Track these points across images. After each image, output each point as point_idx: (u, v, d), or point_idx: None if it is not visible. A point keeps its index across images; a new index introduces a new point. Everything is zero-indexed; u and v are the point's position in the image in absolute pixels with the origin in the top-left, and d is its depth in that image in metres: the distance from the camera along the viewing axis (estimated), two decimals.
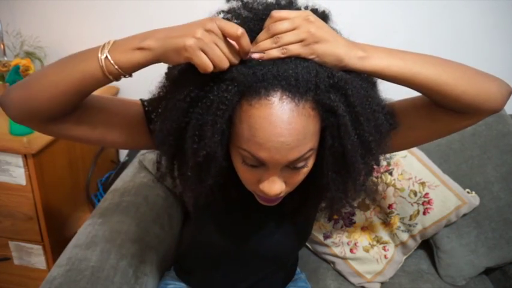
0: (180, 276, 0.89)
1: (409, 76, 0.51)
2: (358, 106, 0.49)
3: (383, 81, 0.56)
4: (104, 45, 0.50)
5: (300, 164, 0.52)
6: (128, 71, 0.50)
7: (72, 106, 0.55)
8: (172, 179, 0.63)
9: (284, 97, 0.46)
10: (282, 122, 0.46)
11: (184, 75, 0.51)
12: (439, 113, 0.59)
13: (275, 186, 0.52)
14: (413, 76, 0.51)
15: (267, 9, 0.51)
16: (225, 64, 0.46)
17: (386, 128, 0.55)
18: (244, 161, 0.52)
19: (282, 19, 0.47)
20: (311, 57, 0.47)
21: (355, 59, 0.49)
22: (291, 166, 0.51)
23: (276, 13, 0.47)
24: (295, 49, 0.47)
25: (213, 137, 0.48)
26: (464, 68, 0.55)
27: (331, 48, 0.47)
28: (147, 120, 0.61)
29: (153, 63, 0.50)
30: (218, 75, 0.47)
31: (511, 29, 1.25)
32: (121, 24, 1.35)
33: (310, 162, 0.54)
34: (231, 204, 0.69)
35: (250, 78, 0.46)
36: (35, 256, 1.21)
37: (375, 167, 0.61)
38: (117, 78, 0.51)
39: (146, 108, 0.62)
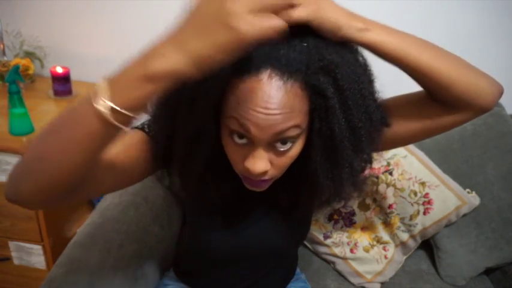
0: (179, 276, 0.89)
1: (403, 55, 0.52)
2: (347, 91, 0.49)
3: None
4: (96, 93, 0.38)
5: (286, 146, 0.51)
6: (141, 110, 0.40)
7: (93, 163, 0.46)
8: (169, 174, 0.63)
9: (273, 75, 0.47)
10: (269, 97, 0.47)
11: None
12: (429, 107, 0.59)
13: (259, 163, 0.51)
14: (408, 56, 0.52)
15: None
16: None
17: (378, 118, 0.56)
18: (231, 136, 0.52)
19: None
20: (311, 18, 0.47)
21: (354, 30, 0.49)
22: (276, 146, 0.51)
23: None
24: (298, 12, 0.46)
25: (205, 109, 0.49)
26: (459, 59, 0.55)
27: (332, 15, 0.48)
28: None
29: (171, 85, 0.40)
30: None
31: (507, 29, 1.25)
32: (121, 24, 1.35)
33: (297, 147, 0.53)
34: (225, 204, 0.69)
35: (242, 56, 0.43)
36: (35, 256, 1.21)
37: (373, 167, 0.61)
38: (130, 124, 0.41)
39: (151, 134, 0.61)
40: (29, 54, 1.36)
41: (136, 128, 0.62)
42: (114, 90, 0.38)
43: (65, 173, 0.43)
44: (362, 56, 0.55)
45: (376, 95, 0.56)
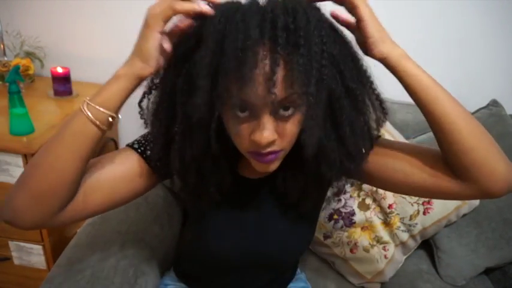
0: (179, 277, 0.89)
1: (432, 98, 0.52)
2: (338, 55, 0.51)
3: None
4: (85, 98, 0.51)
5: (289, 112, 0.50)
6: (112, 107, 0.50)
7: (80, 175, 0.53)
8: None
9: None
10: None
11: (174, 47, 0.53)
12: (436, 165, 0.58)
13: (266, 132, 0.49)
14: (436, 102, 0.53)
15: None
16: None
17: (369, 82, 0.56)
18: (234, 113, 0.50)
19: None
20: (366, 19, 0.52)
21: (396, 54, 0.52)
22: (279, 113, 0.50)
23: None
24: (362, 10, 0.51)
25: (202, 86, 0.47)
26: (486, 132, 0.57)
27: (379, 28, 0.52)
28: (145, 159, 0.61)
29: (134, 85, 0.51)
30: (200, 35, 0.48)
31: (507, 29, 1.25)
32: (121, 24, 1.35)
33: (299, 113, 0.51)
34: (228, 210, 0.68)
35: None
36: (35, 256, 1.21)
37: None
38: (109, 125, 0.51)
39: (139, 150, 0.61)
40: (29, 54, 1.36)
41: (129, 146, 0.62)
42: (95, 94, 0.50)
43: (55, 176, 0.50)
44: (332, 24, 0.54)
45: (362, 61, 0.56)
